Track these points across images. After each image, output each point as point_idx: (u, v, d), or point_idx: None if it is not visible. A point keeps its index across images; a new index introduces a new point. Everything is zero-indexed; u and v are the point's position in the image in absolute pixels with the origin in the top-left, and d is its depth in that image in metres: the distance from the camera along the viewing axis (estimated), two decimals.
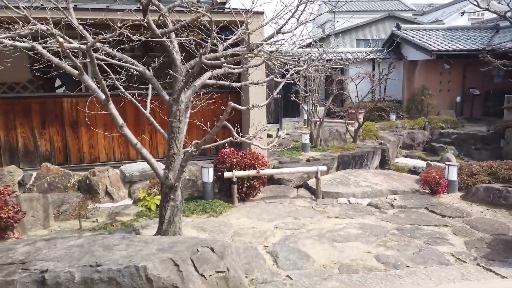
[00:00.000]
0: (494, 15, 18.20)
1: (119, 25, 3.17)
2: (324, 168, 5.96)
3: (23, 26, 3.39)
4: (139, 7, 4.60)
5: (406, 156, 11.19)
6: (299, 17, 4.38)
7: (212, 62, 3.84)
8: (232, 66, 4.01)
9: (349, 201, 5.55)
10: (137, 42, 3.89)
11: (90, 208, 4.55)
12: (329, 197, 5.74)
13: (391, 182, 6.15)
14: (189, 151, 3.95)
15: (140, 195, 5.51)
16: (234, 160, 5.80)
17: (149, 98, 4.66)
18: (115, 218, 4.87)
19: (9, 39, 3.32)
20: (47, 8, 3.90)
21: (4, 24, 3.83)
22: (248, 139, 3.92)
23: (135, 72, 4.52)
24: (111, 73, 4.36)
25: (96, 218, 4.81)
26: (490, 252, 3.71)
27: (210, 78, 4.32)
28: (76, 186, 6.14)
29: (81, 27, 4.06)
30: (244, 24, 4.28)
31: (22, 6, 3.65)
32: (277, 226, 4.67)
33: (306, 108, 10.77)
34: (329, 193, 5.78)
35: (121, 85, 4.49)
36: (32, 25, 3.29)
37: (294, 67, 4.72)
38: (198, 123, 4.12)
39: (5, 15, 4.02)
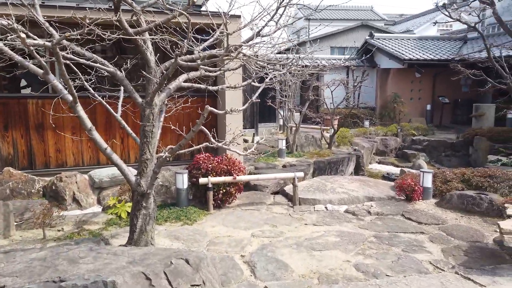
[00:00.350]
0: (462, 27, 18.94)
1: (88, 22, 2.96)
2: (301, 174, 5.88)
3: None
4: (111, 7, 4.40)
5: (379, 162, 11.34)
6: (278, 20, 4.30)
7: (189, 63, 3.69)
8: (210, 68, 3.86)
9: (326, 208, 5.50)
10: (108, 42, 3.69)
11: (55, 216, 4.26)
12: (306, 204, 5.66)
13: (367, 188, 6.15)
14: (163, 156, 3.77)
15: (110, 202, 5.24)
16: (210, 165, 5.63)
17: (120, 100, 4.45)
18: (82, 227, 4.59)
19: None
20: (8, 2, 3.66)
21: None
22: (225, 145, 3.79)
23: (105, 73, 4.30)
24: (79, 73, 4.12)
25: (62, 226, 4.51)
26: (467, 260, 3.72)
27: (185, 81, 4.16)
28: (41, 192, 5.78)
29: (47, 24, 3.82)
30: (221, 26, 4.18)
31: None
32: (254, 234, 4.54)
33: (282, 113, 10.73)
34: (306, 200, 5.70)
35: (90, 87, 4.26)
36: None
37: (272, 71, 4.63)
38: (173, 127, 3.94)
39: None
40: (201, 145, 3.89)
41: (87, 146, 6.55)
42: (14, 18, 2.90)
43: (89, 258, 2.86)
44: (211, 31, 4.44)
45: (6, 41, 3.57)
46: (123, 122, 4.27)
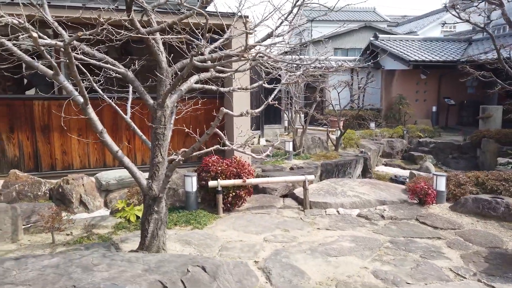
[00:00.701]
0: (466, 28, 18.85)
1: (102, 21, 2.87)
2: (312, 177, 5.79)
3: None
4: (117, 7, 4.31)
5: (386, 165, 11.24)
6: (291, 20, 4.22)
7: (204, 64, 3.60)
8: (224, 69, 3.77)
9: (338, 211, 5.40)
10: (117, 42, 3.61)
11: (65, 220, 4.17)
12: (317, 208, 5.56)
13: (378, 192, 6.05)
14: (176, 160, 3.68)
15: (118, 205, 5.15)
16: (219, 168, 5.54)
17: (129, 102, 4.36)
18: (91, 231, 4.49)
19: None
20: (20, 1, 3.57)
21: None
22: (236, 147, 3.69)
23: (114, 74, 4.21)
24: (88, 74, 4.03)
25: (71, 230, 4.41)
26: (488, 267, 3.62)
27: (196, 82, 4.07)
28: (48, 195, 5.69)
29: (56, 24, 3.74)
30: (231, 26, 4.09)
31: None
32: (266, 239, 4.44)
33: (287, 115, 10.64)
34: (317, 203, 5.60)
35: (99, 88, 4.17)
36: (2, 18, 2.96)
37: (286, 72, 4.54)
38: (187, 130, 3.84)
39: None
40: (212, 148, 3.80)
41: (94, 148, 6.46)
42: (24, 17, 2.81)
43: (103, 265, 2.76)
44: (220, 32, 4.35)
45: (14, 41, 3.49)
46: (133, 124, 4.17)
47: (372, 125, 13.67)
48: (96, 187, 5.97)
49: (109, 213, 5.36)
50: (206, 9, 7.72)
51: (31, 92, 8.53)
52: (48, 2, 6.08)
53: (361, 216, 5.23)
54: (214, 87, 4.43)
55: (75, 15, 4.13)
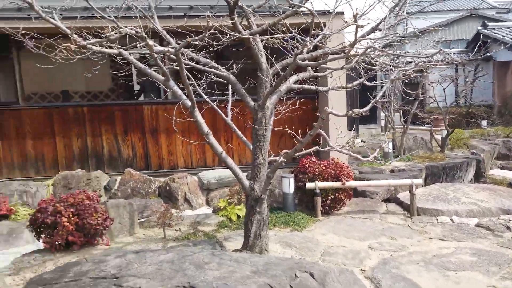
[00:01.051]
0: None
1: (203, 29, 2.94)
2: (420, 181, 5.32)
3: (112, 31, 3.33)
4: (215, 13, 4.44)
5: (502, 168, 9.91)
6: (399, 11, 3.91)
7: (307, 63, 3.51)
8: (331, 67, 3.62)
9: (452, 220, 4.86)
10: (218, 47, 3.71)
11: (175, 217, 4.44)
12: (426, 215, 5.08)
13: (499, 199, 5.31)
14: (279, 161, 3.65)
15: (220, 204, 5.33)
16: (317, 170, 5.39)
17: (229, 104, 4.45)
18: (197, 228, 4.72)
19: (98, 45, 3.26)
20: (134, 15, 3.87)
21: (92, 32, 3.83)
22: (338, 149, 3.51)
23: (214, 78, 4.35)
24: (192, 79, 4.21)
25: (179, 227, 4.69)
26: None
27: (295, 83, 3.99)
28: (157, 192, 6.15)
29: (164, 33, 3.98)
30: (327, 24, 3.93)
31: (113, 16, 3.64)
32: (371, 246, 4.17)
33: (382, 114, 10.04)
34: (426, 210, 5.12)
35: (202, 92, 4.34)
36: (120, 30, 3.22)
37: (392, 68, 4.23)
38: (289, 131, 3.79)
39: (94, 25, 4.03)
40: (311, 149, 3.69)
41: (195, 148, 6.80)
42: (141, 27, 3.02)
43: (213, 264, 2.82)
44: (314, 30, 4.21)
45: (130, 51, 3.80)
46: (234, 126, 4.26)
47: (484, 123, 12.20)
48: (198, 185, 6.28)
49: (212, 211, 5.58)
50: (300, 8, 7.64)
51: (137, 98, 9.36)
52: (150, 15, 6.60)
53: (481, 226, 4.62)
54: (313, 87, 4.31)
55: (179, 23, 4.38)
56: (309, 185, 5.23)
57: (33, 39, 3.47)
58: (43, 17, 2.87)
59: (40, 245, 4.00)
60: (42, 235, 3.91)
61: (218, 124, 6.72)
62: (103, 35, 2.86)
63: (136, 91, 8.72)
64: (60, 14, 3.42)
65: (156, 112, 6.67)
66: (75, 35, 2.96)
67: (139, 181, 6.10)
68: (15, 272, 3.46)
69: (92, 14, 5.56)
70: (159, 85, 6.11)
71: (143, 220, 5.09)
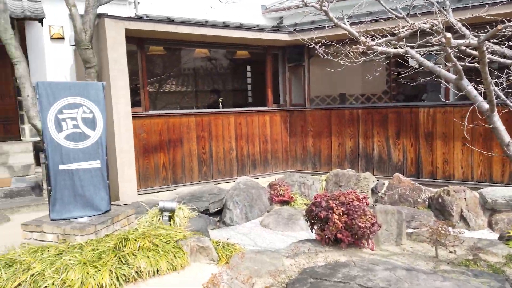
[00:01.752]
0: None
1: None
2: None
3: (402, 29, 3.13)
4: None
5: None
6: None
7: None
8: None
9: None
10: None
11: (451, 237, 3.86)
12: None
13: None
14: None
15: (511, 231, 4.27)
16: None
17: None
18: (478, 255, 3.93)
19: (383, 45, 3.13)
20: (422, 11, 3.55)
21: (378, 34, 3.76)
22: None
23: None
24: (489, 77, 3.46)
25: (454, 248, 4.05)
26: None
27: None
28: (426, 202, 5.60)
29: (460, 24, 3.46)
30: None
31: (403, 13, 3.46)
32: None
33: None
34: None
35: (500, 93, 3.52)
36: (412, 26, 2.97)
37: None
38: None
39: (380, 27, 3.95)
40: None
41: (479, 159, 5.77)
42: (439, 21, 2.68)
43: None
44: None
45: (417, 50, 3.49)
46: None
47: None
48: (479, 203, 5.30)
49: (497, 238, 4.56)
50: None
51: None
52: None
53: None
54: None
55: (478, 14, 3.71)
56: None
57: (323, 46, 3.76)
58: (335, 22, 3.01)
59: (312, 235, 4.34)
60: (315, 227, 4.23)
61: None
62: (393, 32, 2.72)
63: (410, 94, 8.30)
64: (347, 20, 3.53)
65: (433, 116, 6.08)
66: (362, 37, 2.96)
67: (408, 188, 5.73)
68: (292, 255, 3.87)
69: (377, 17, 5.62)
70: (442, 85, 5.51)
71: (410, 231, 4.71)
